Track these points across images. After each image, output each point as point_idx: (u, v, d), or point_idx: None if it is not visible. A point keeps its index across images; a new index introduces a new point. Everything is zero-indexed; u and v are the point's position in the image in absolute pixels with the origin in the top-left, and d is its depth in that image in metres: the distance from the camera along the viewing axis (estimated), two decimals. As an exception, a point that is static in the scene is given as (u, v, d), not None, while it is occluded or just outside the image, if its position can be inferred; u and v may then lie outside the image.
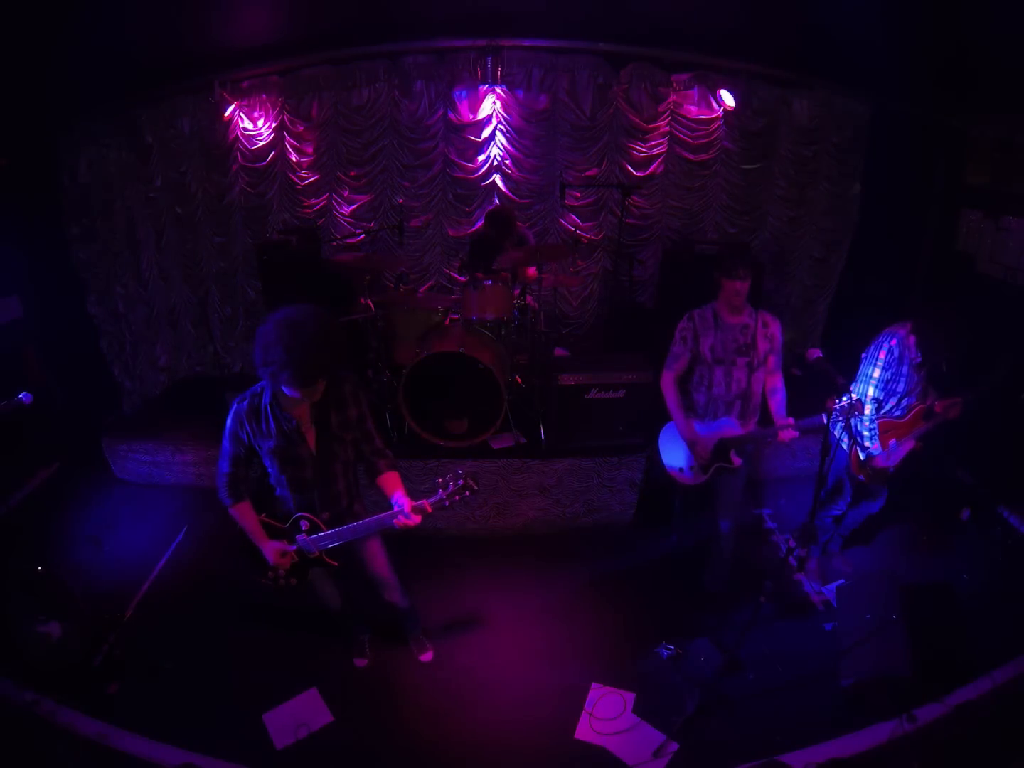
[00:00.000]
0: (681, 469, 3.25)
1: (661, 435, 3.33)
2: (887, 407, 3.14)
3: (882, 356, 3.03)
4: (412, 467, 3.89)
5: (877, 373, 3.05)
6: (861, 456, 3.13)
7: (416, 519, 2.28)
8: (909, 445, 3.12)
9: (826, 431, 2.59)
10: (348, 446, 2.42)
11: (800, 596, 3.52)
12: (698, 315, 3.08)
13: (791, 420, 2.90)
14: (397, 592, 2.87)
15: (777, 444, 3.03)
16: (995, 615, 3.21)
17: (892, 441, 3.10)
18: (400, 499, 2.32)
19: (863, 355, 3.12)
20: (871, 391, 3.06)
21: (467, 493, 2.25)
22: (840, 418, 2.68)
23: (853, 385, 3.09)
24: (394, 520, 2.29)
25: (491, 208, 4.96)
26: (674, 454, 3.28)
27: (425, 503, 2.27)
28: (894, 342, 3.01)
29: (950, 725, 2.65)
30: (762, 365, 3.04)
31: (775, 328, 3.05)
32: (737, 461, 3.08)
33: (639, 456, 3.98)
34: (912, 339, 3.01)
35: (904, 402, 3.11)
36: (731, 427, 3.07)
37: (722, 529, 3.27)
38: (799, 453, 4.47)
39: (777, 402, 3.08)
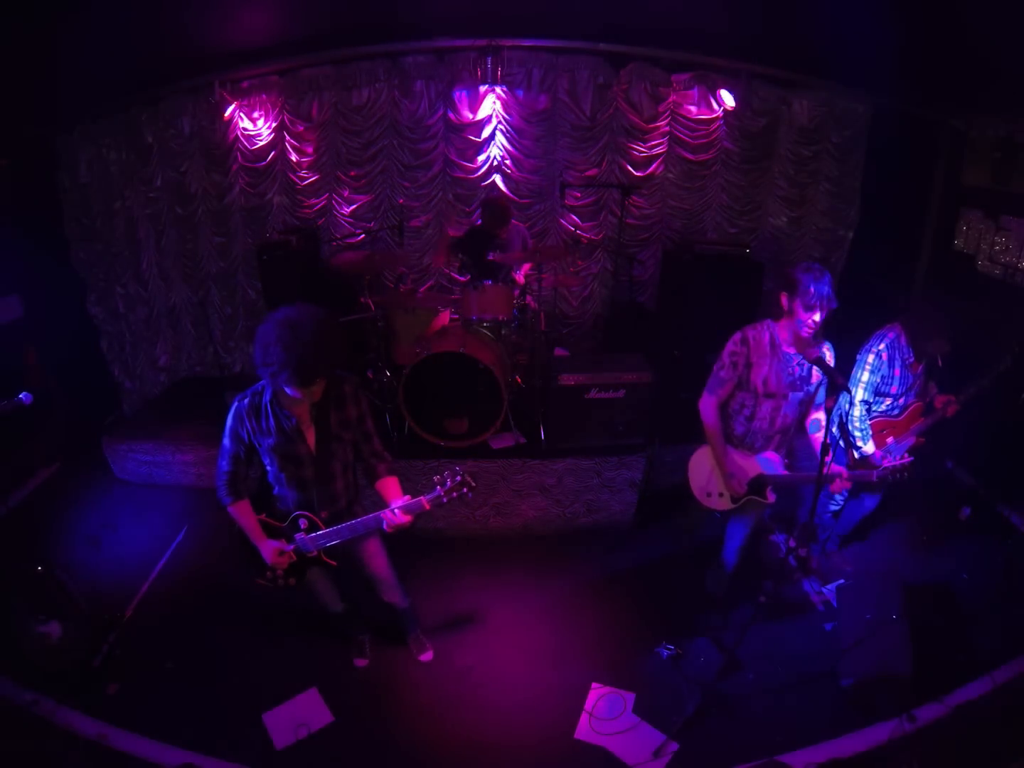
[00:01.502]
0: (709, 494, 2.99)
1: (693, 457, 3.04)
2: (879, 409, 3.14)
3: (870, 360, 3.04)
4: (412, 467, 3.89)
5: (866, 377, 3.06)
6: (856, 456, 3.12)
7: (405, 518, 2.27)
8: (909, 441, 3.12)
9: (825, 432, 2.58)
10: (347, 446, 2.42)
11: (800, 596, 3.52)
12: (753, 338, 2.68)
13: (843, 470, 2.69)
14: (396, 592, 2.87)
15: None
16: (995, 615, 3.22)
17: (890, 439, 3.10)
18: (395, 502, 2.32)
19: (857, 357, 3.13)
20: (860, 394, 3.07)
21: (465, 490, 2.25)
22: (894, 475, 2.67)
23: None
24: (383, 520, 2.29)
25: (487, 196, 4.94)
26: (705, 478, 3.00)
27: (423, 500, 2.27)
28: (882, 346, 3.03)
29: (950, 725, 2.66)
30: (812, 399, 2.77)
31: (830, 356, 2.69)
32: (772, 498, 2.86)
33: (639, 456, 3.98)
34: (903, 339, 3.02)
35: (901, 402, 3.12)
36: (774, 465, 2.83)
37: (734, 543, 3.14)
38: (799, 453, 4.46)
39: (818, 441, 2.73)
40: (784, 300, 2.56)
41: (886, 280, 5.19)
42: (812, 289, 2.44)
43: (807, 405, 2.79)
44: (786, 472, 2.87)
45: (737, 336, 2.72)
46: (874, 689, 2.75)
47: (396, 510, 2.27)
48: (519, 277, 4.57)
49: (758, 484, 2.84)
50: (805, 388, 2.70)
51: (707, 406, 2.82)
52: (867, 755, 2.60)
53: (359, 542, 2.59)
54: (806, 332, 2.55)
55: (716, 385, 2.78)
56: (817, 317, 2.49)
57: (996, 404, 3.52)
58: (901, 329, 3.04)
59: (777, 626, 3.26)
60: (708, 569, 3.42)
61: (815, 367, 2.65)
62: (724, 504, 2.96)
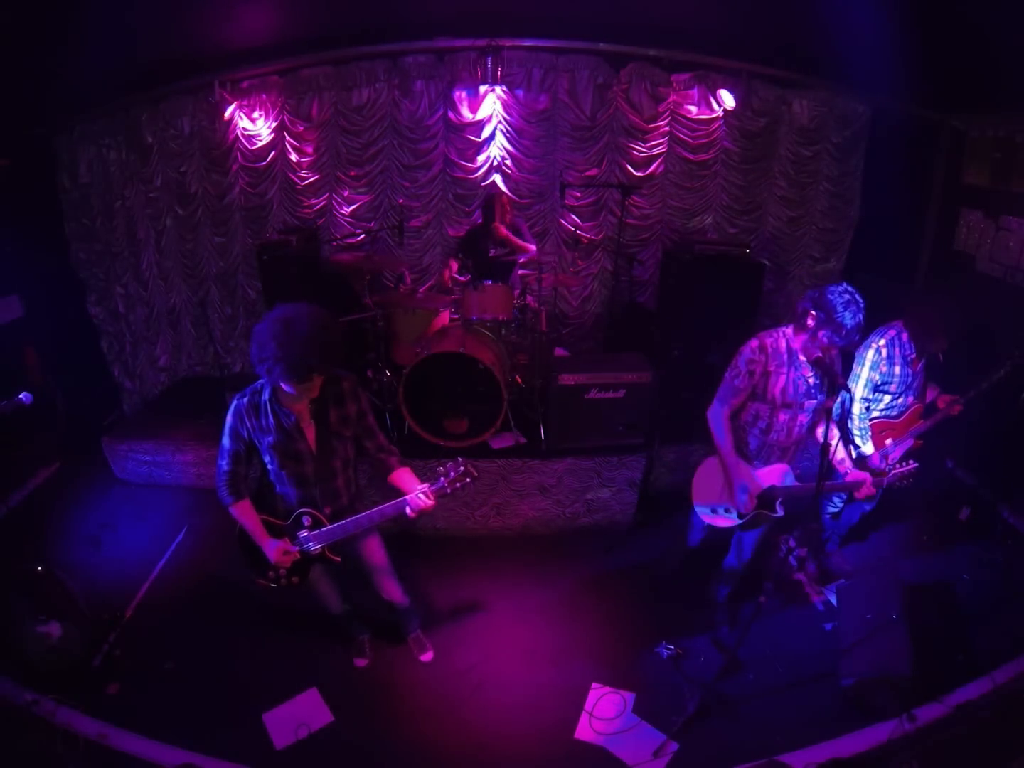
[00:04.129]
0: (714, 509, 2.80)
1: (698, 472, 2.86)
2: (879, 407, 3.13)
3: (870, 356, 3.03)
4: (412, 467, 3.86)
5: (865, 373, 3.04)
6: (854, 455, 3.12)
7: (429, 502, 2.30)
8: (908, 444, 3.12)
9: (825, 432, 2.58)
10: (348, 442, 2.44)
11: (800, 596, 3.52)
12: (771, 346, 2.51)
13: (867, 476, 2.62)
14: (397, 590, 2.87)
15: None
16: (995, 615, 3.21)
17: (889, 441, 3.10)
18: (416, 488, 2.35)
19: (856, 353, 3.11)
20: (860, 391, 3.06)
21: (468, 480, 2.29)
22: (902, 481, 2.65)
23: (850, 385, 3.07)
24: (408, 505, 2.31)
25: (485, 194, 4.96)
26: (712, 494, 2.80)
27: (428, 489, 2.30)
28: (883, 342, 3.01)
29: (950, 725, 2.65)
30: (825, 407, 2.61)
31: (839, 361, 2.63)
32: (780, 512, 2.70)
33: (639, 456, 3.98)
34: (905, 336, 3.01)
35: (901, 401, 3.11)
36: (785, 476, 2.69)
37: (744, 556, 3.02)
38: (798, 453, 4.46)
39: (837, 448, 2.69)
40: (811, 321, 2.41)
41: (886, 280, 5.18)
42: (849, 327, 2.32)
43: (820, 413, 2.66)
44: (797, 483, 2.72)
45: (754, 343, 2.55)
46: (874, 689, 2.75)
47: (420, 494, 2.30)
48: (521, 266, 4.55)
49: (768, 497, 2.69)
50: (819, 396, 2.59)
51: (718, 416, 2.61)
52: (867, 755, 2.60)
53: (361, 540, 2.59)
54: (819, 354, 2.46)
55: (729, 395, 2.60)
56: (836, 351, 2.44)
57: (996, 405, 3.52)
58: (903, 327, 3.03)
59: (777, 626, 3.26)
60: (714, 580, 3.31)
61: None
62: (730, 521, 2.80)
